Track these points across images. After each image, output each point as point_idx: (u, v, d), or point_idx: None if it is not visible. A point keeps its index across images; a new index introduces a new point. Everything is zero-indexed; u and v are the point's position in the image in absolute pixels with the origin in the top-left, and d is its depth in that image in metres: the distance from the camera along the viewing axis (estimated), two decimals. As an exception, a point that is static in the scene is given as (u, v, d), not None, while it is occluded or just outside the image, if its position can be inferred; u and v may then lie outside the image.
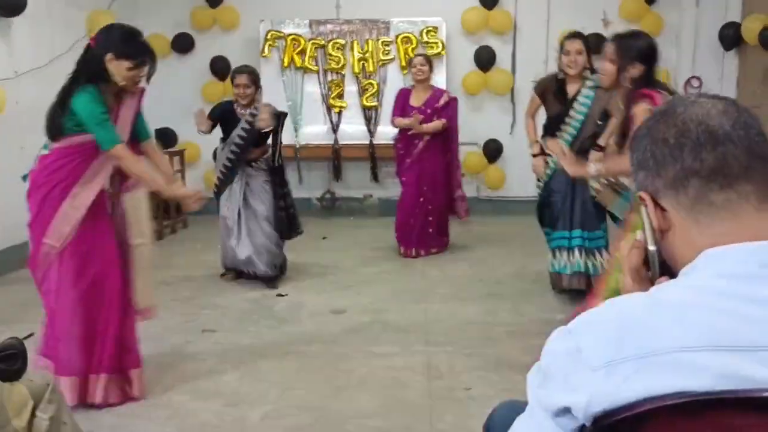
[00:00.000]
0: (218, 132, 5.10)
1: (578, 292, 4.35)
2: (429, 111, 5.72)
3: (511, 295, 4.65)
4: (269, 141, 5.04)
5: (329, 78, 7.49)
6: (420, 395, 3.13)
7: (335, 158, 7.63)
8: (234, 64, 7.10)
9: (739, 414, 0.84)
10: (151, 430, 2.86)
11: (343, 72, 7.46)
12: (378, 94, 7.44)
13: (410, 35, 7.36)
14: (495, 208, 7.83)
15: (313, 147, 7.54)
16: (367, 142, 7.56)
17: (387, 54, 7.42)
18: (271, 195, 4.99)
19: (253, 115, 4.81)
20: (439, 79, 7.22)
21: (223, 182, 4.99)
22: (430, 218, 5.85)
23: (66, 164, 2.90)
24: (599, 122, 4.39)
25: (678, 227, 1.01)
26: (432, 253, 5.84)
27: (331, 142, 7.56)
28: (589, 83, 4.36)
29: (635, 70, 3.16)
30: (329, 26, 7.44)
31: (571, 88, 4.43)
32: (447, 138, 5.88)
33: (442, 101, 5.78)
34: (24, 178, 3.05)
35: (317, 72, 7.47)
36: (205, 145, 7.10)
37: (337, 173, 7.71)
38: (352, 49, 7.42)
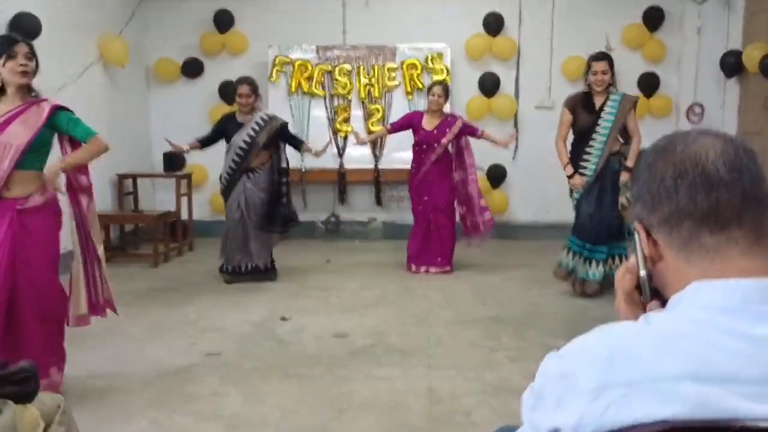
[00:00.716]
0: (222, 146, 5.69)
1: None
2: (437, 133, 5.94)
3: (512, 320, 4.67)
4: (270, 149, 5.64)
5: (336, 103, 7.60)
6: (421, 419, 3.15)
7: (340, 182, 7.70)
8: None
9: None
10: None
11: (349, 97, 7.57)
12: (383, 119, 7.53)
13: (415, 61, 7.47)
14: (498, 233, 7.79)
15: (318, 171, 7.61)
16: (372, 166, 7.64)
17: (392, 80, 7.53)
18: (266, 200, 5.58)
19: (264, 120, 5.46)
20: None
21: (230, 182, 5.55)
22: (437, 235, 6.03)
23: None
24: (621, 140, 5.03)
25: (669, 260, 1.04)
26: (439, 272, 6.01)
27: (337, 166, 7.64)
28: (613, 96, 5.02)
29: None
30: (336, 52, 7.57)
31: (597, 101, 5.05)
32: (462, 158, 6.09)
33: (454, 130, 5.95)
34: None
35: (324, 97, 7.58)
36: (213, 168, 7.18)
37: (342, 197, 7.78)
38: (358, 74, 7.54)
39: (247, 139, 5.46)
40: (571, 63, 7.49)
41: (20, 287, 3.13)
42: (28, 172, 3.16)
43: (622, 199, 4.96)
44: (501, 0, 7.55)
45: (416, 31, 7.53)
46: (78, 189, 3.38)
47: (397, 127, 6.14)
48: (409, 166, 6.19)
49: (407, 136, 6.25)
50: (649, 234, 1.06)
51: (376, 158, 7.63)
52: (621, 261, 4.96)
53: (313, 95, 7.57)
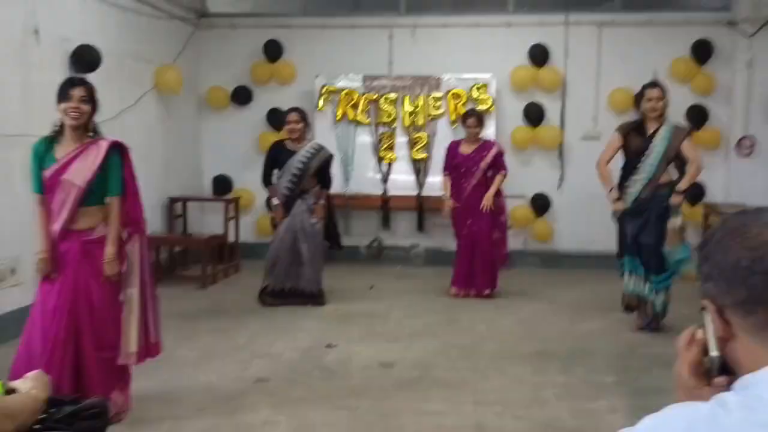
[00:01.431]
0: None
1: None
2: (477, 157, 6.13)
3: (559, 354, 4.65)
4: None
5: (380, 131, 7.70)
6: (470, 456, 3.16)
7: (384, 208, 7.78)
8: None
9: None
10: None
11: (394, 125, 7.67)
12: (427, 147, 7.61)
13: (460, 91, 7.54)
14: (543, 261, 7.83)
15: (363, 197, 7.71)
16: (416, 193, 7.70)
17: (437, 109, 7.61)
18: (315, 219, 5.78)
19: (315, 148, 5.75)
20: (489, 133, 7.37)
21: (286, 206, 5.71)
22: (479, 259, 6.14)
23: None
24: (676, 171, 5.06)
25: (742, 341, 1.04)
26: (481, 296, 6.12)
27: (381, 192, 7.73)
28: (668, 124, 5.03)
29: None
30: (382, 81, 7.68)
31: (650, 127, 5.03)
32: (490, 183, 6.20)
33: (493, 152, 6.12)
34: None
35: (369, 124, 7.69)
36: (260, 193, 7.32)
37: (385, 222, 7.85)
38: (403, 103, 7.63)
39: (300, 165, 5.66)
40: (617, 95, 7.47)
41: (80, 314, 3.27)
42: (92, 207, 3.34)
43: (675, 222, 4.91)
44: (547, 31, 7.58)
45: (462, 61, 7.61)
46: (135, 230, 3.49)
47: (449, 165, 6.28)
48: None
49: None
50: (720, 312, 1.06)
51: (420, 185, 7.69)
52: (657, 294, 5.01)
53: (358, 123, 7.69)
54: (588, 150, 7.51)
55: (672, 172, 5.08)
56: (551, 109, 7.68)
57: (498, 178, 6.14)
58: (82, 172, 3.27)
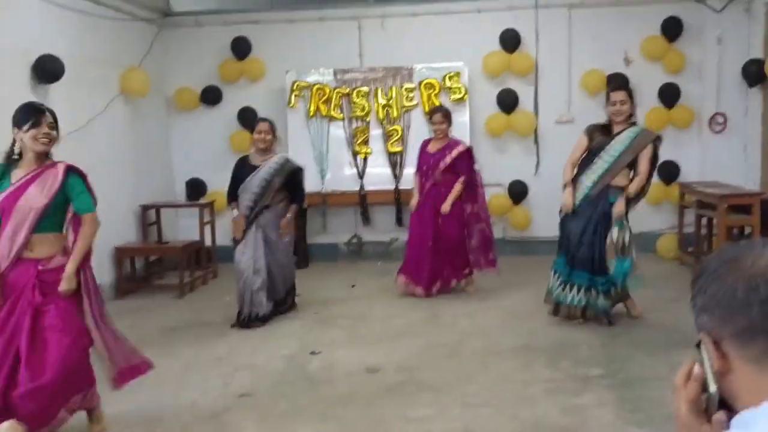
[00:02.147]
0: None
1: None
2: (441, 155, 5.98)
3: (545, 348, 4.64)
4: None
5: (354, 125, 7.61)
6: (460, 464, 3.13)
7: (362, 204, 7.70)
8: (261, 113, 7.26)
9: None
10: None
11: (367, 119, 7.58)
12: (402, 140, 7.54)
13: (433, 81, 7.46)
14: (522, 249, 7.83)
15: (340, 194, 7.63)
16: (393, 187, 7.63)
17: (411, 100, 7.53)
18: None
19: (280, 163, 5.39)
20: (462, 121, 7.32)
21: (246, 225, 5.36)
22: (443, 254, 6.00)
23: None
24: (630, 176, 4.94)
25: (740, 372, 1.03)
26: (452, 288, 6.07)
27: (357, 188, 7.65)
28: (633, 128, 4.95)
29: None
30: (353, 74, 7.58)
31: (616, 128, 4.99)
32: (469, 189, 6.04)
33: (453, 154, 5.93)
34: None
35: (342, 119, 7.59)
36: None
37: (365, 218, 7.78)
38: (376, 96, 7.54)
39: (262, 182, 5.33)
40: (590, 77, 7.45)
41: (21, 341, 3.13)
42: (49, 234, 3.23)
43: (612, 236, 4.82)
44: (517, 17, 7.52)
45: (433, 50, 7.52)
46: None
47: (418, 162, 6.17)
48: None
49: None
50: (718, 345, 1.04)
51: (397, 178, 7.63)
52: (599, 295, 4.90)
53: (331, 118, 7.59)
54: (563, 134, 7.49)
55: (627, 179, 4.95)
56: (524, 94, 7.64)
57: (456, 186, 5.90)
58: (38, 196, 3.16)
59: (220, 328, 5.34)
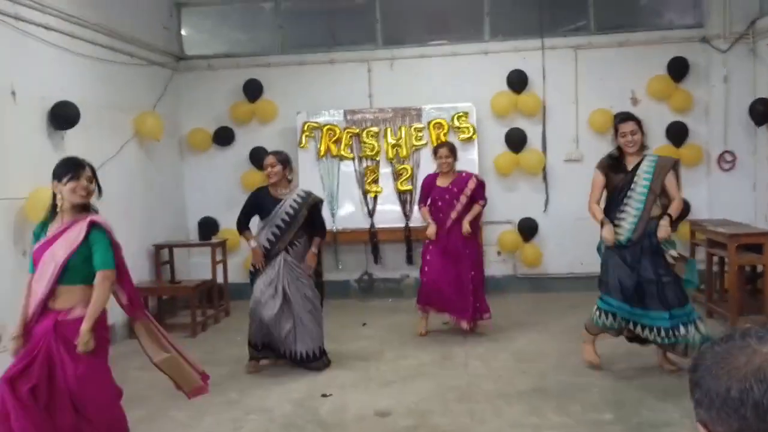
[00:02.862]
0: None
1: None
2: (455, 190, 5.97)
3: (555, 391, 4.62)
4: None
5: (364, 164, 7.70)
6: None
7: (372, 241, 7.76)
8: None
9: None
10: None
11: (377, 158, 7.67)
12: (412, 178, 7.61)
13: (442, 121, 7.57)
14: (533, 286, 7.84)
15: (350, 231, 7.69)
16: (403, 225, 7.69)
17: (420, 139, 7.62)
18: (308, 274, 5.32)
19: (302, 196, 5.25)
20: (471, 160, 7.40)
21: (266, 259, 5.22)
22: (472, 287, 5.95)
23: None
24: (659, 205, 4.77)
25: None
26: (474, 322, 5.99)
27: (368, 226, 7.71)
28: (649, 157, 4.79)
29: None
30: (363, 115, 7.70)
31: (630, 162, 4.80)
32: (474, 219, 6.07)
33: (471, 184, 5.97)
34: None
35: (352, 159, 7.69)
36: (246, 234, 7.29)
37: (376, 256, 7.81)
38: (385, 136, 7.65)
39: (287, 215, 5.16)
40: (597, 116, 7.54)
41: (59, 402, 3.17)
42: (74, 286, 3.26)
43: (671, 255, 4.66)
44: (524, 58, 7.64)
45: (441, 91, 7.65)
46: (137, 307, 3.49)
47: (423, 196, 6.15)
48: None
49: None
50: None
51: (407, 217, 7.69)
52: (692, 328, 4.58)
53: (342, 158, 7.69)
54: (571, 172, 7.59)
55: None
56: (532, 133, 7.72)
57: (476, 207, 5.97)
58: (63, 247, 3.23)
59: (232, 368, 5.35)
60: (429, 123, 7.60)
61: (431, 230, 6.00)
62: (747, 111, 7.17)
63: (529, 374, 5.00)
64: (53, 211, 3.32)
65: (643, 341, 4.86)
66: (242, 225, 5.39)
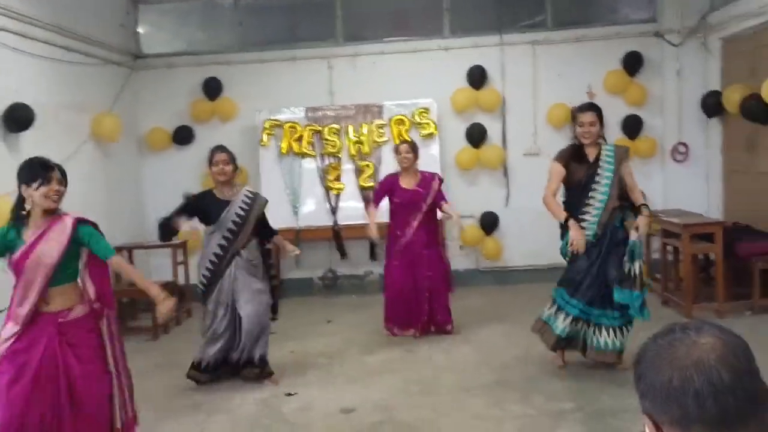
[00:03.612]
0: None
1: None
2: (423, 191, 5.87)
3: (518, 383, 4.71)
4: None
5: (326, 162, 7.70)
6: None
7: (336, 238, 7.76)
8: (233, 152, 7.31)
9: None
10: None
11: (339, 155, 7.68)
12: (374, 175, 7.63)
13: (403, 117, 7.60)
14: (495, 279, 7.95)
15: (314, 229, 7.69)
16: (366, 221, 7.68)
17: (381, 136, 7.65)
18: (263, 271, 4.98)
19: (250, 196, 4.84)
20: (432, 155, 7.46)
21: (215, 271, 4.84)
22: (428, 296, 5.88)
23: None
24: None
25: None
26: (432, 333, 5.93)
27: (331, 223, 7.72)
28: (606, 147, 4.71)
29: None
30: (324, 112, 7.69)
31: (590, 153, 4.73)
32: (434, 216, 6.05)
33: (435, 185, 5.93)
34: None
35: (314, 156, 7.68)
36: (208, 234, 7.24)
37: (341, 253, 7.81)
38: (347, 132, 7.65)
39: (237, 217, 4.78)
40: (555, 110, 7.67)
41: (63, 401, 3.19)
42: (65, 285, 3.26)
43: (635, 269, 4.61)
44: (483, 54, 7.72)
45: (402, 88, 7.68)
46: (106, 304, 3.43)
47: (380, 197, 6.00)
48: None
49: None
50: (659, 428, 1.12)
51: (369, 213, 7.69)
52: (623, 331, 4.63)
53: (303, 155, 7.67)
54: (531, 166, 7.70)
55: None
56: (492, 128, 7.81)
57: (446, 207, 5.90)
58: (49, 251, 3.19)
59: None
60: (390, 119, 7.63)
61: (372, 230, 5.88)
62: (699, 104, 7.37)
63: (492, 366, 5.09)
64: (20, 216, 3.22)
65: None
66: (169, 218, 4.86)
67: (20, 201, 3.22)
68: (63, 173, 3.27)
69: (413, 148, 5.99)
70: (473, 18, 7.95)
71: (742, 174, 6.98)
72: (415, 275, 5.86)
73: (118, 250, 6.95)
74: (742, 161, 6.96)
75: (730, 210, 7.20)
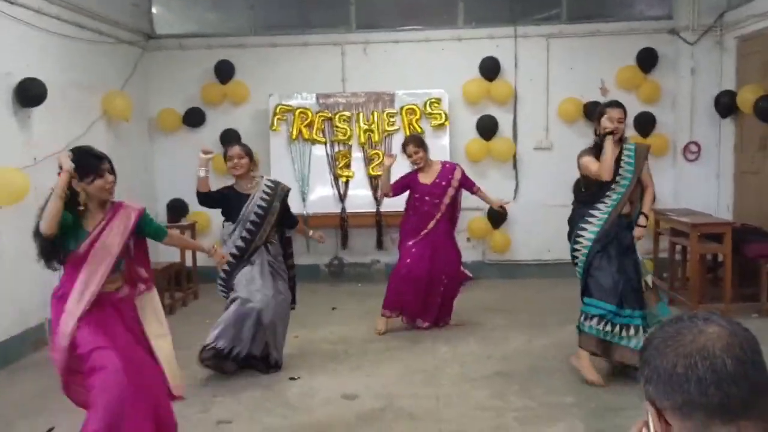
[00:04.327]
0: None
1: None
2: (444, 183, 5.77)
3: (519, 375, 4.71)
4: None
5: (336, 149, 7.69)
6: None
7: (342, 226, 7.77)
8: (244, 136, 7.35)
9: None
10: None
11: (349, 143, 7.67)
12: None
13: (414, 107, 7.58)
14: (501, 272, 7.94)
15: (321, 216, 7.69)
16: (374, 210, 7.71)
17: (392, 125, 7.63)
18: (286, 271, 5.01)
19: (270, 186, 4.82)
20: (443, 146, 7.43)
21: (235, 265, 4.75)
22: (443, 290, 5.86)
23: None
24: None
25: None
26: (438, 326, 5.91)
27: (339, 210, 7.72)
28: (627, 146, 4.65)
29: None
30: (336, 99, 7.67)
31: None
32: (455, 209, 5.99)
33: (458, 175, 5.81)
34: None
35: (324, 143, 7.68)
36: (216, 216, 7.23)
37: (344, 241, 7.84)
38: (357, 120, 7.64)
39: (259, 209, 4.73)
40: (566, 105, 7.62)
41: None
42: (119, 271, 3.37)
43: (648, 282, 4.58)
44: (496, 45, 7.68)
45: (414, 77, 7.66)
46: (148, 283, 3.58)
47: (398, 188, 5.87)
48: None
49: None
50: (661, 415, 1.13)
51: (378, 202, 7.71)
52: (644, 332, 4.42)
53: (313, 142, 7.67)
54: (541, 160, 7.70)
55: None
56: (504, 121, 7.78)
57: (480, 191, 5.87)
58: (117, 237, 3.28)
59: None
60: (401, 108, 7.60)
61: (388, 160, 5.73)
62: (713, 102, 7.32)
63: (495, 359, 5.09)
64: (75, 208, 3.19)
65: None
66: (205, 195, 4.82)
67: (73, 195, 3.17)
68: (110, 161, 3.33)
69: (420, 143, 5.80)
70: (487, 9, 7.91)
71: (754, 175, 6.93)
72: (432, 268, 5.77)
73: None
74: (754, 162, 6.91)
75: (740, 211, 7.16)
